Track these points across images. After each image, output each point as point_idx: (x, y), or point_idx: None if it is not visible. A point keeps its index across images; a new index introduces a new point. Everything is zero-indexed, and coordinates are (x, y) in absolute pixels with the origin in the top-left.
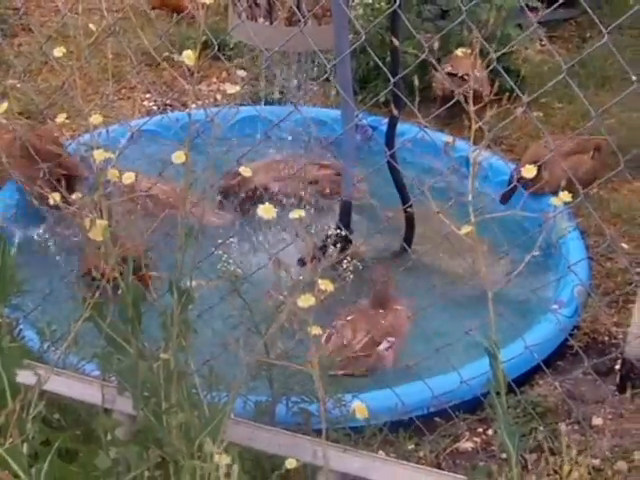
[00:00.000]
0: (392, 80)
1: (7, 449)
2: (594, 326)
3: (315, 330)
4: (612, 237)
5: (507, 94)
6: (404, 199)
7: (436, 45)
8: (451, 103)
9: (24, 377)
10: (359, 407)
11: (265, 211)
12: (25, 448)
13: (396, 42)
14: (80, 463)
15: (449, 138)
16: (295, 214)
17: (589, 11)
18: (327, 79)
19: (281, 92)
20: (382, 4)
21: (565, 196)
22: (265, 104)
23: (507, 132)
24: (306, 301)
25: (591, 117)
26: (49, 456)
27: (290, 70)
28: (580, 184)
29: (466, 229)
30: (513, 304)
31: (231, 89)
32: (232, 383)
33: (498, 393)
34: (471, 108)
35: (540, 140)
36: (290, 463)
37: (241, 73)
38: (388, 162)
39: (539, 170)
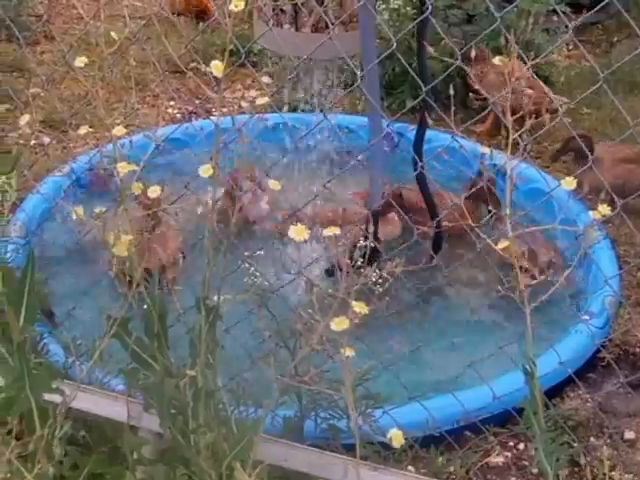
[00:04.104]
0: (424, 89)
1: (36, 475)
2: (625, 337)
3: (348, 351)
4: None
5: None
6: (433, 214)
7: (473, 53)
8: (485, 113)
9: (50, 395)
10: (396, 435)
11: (297, 233)
12: (52, 471)
13: (430, 50)
14: None
15: (485, 149)
16: (329, 231)
17: (624, 13)
18: (356, 86)
19: (307, 99)
20: (408, 9)
21: (604, 209)
22: (290, 111)
23: (536, 139)
24: (340, 324)
25: (621, 124)
26: None
27: (316, 77)
28: (628, 195)
29: (503, 244)
30: (543, 315)
31: (260, 100)
32: (262, 401)
33: (535, 412)
34: (509, 119)
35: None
36: None
37: (266, 80)
38: (418, 173)
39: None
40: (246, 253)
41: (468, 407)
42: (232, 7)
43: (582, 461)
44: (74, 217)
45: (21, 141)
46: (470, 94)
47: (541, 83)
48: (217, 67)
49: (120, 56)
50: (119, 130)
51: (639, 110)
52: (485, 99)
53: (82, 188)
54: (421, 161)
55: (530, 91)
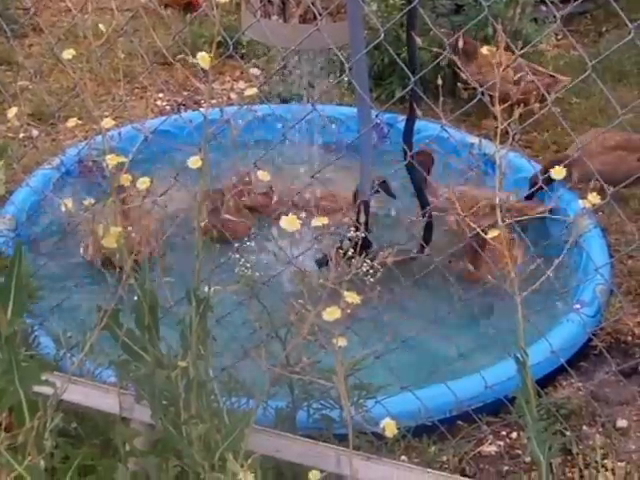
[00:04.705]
0: (412, 79)
1: (26, 467)
2: (617, 326)
3: (341, 341)
4: (634, 235)
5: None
6: (423, 203)
7: (460, 44)
8: (473, 102)
9: (41, 387)
10: (388, 424)
11: (288, 223)
12: (43, 463)
13: (418, 41)
14: (99, 477)
15: (474, 139)
16: (318, 221)
17: (612, 3)
18: (343, 76)
19: (295, 90)
20: (396, 0)
21: (594, 198)
22: (279, 102)
23: (525, 128)
24: (332, 314)
25: (610, 113)
26: (68, 473)
27: (304, 67)
28: (617, 182)
29: (494, 232)
30: (534, 304)
31: (249, 91)
32: (254, 392)
33: (527, 401)
34: (497, 109)
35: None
36: (314, 475)
37: (255, 71)
38: (407, 163)
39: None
40: (236, 244)
41: (461, 396)
42: None
43: (574, 449)
44: (63, 209)
45: (10, 134)
46: (459, 84)
47: (540, 68)
48: (204, 59)
49: (108, 48)
50: (108, 122)
51: (628, 99)
52: (475, 89)
53: (71, 180)
54: (411, 151)
55: (532, 77)
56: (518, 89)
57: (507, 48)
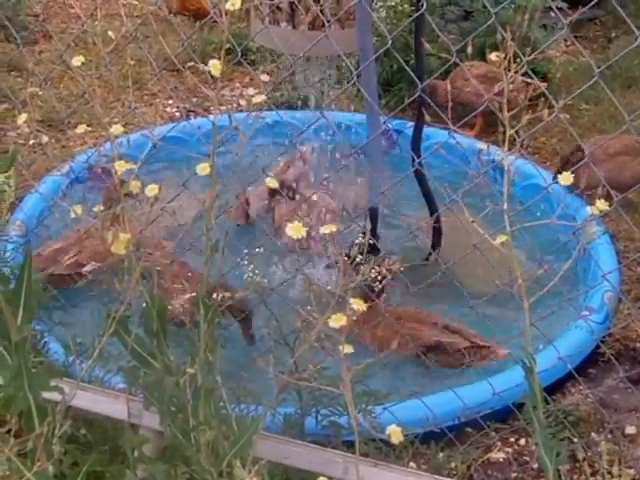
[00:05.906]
0: (420, 86)
1: (35, 473)
2: (625, 332)
3: (347, 348)
4: None
5: (538, 97)
6: (432, 209)
7: (469, 50)
8: (481, 109)
9: (50, 393)
10: (394, 431)
11: (294, 230)
12: (52, 469)
13: (427, 46)
14: None
15: (482, 145)
16: (327, 229)
17: (619, 10)
18: (352, 83)
19: (304, 97)
20: (405, 6)
21: (602, 205)
22: (288, 109)
23: (534, 135)
24: (337, 321)
25: (619, 119)
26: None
27: (313, 74)
28: (622, 188)
29: (502, 238)
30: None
31: (257, 98)
32: (262, 399)
33: (534, 407)
34: (505, 114)
35: (588, 141)
36: None
37: (264, 78)
38: (416, 170)
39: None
40: (245, 251)
41: (469, 403)
42: (228, 6)
43: (580, 456)
44: (72, 215)
45: (20, 140)
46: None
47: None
48: (215, 67)
49: (117, 55)
50: (117, 129)
51: (637, 105)
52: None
53: (80, 184)
54: (419, 158)
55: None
56: (526, 95)
57: (515, 55)
